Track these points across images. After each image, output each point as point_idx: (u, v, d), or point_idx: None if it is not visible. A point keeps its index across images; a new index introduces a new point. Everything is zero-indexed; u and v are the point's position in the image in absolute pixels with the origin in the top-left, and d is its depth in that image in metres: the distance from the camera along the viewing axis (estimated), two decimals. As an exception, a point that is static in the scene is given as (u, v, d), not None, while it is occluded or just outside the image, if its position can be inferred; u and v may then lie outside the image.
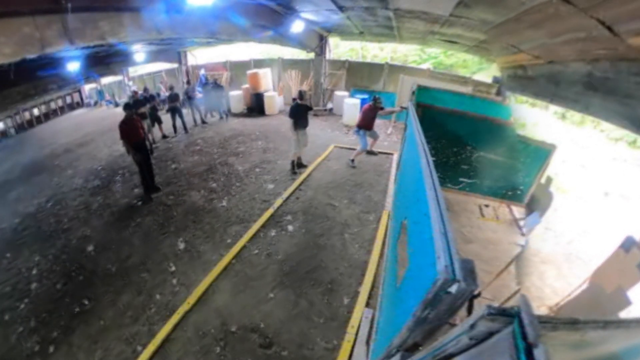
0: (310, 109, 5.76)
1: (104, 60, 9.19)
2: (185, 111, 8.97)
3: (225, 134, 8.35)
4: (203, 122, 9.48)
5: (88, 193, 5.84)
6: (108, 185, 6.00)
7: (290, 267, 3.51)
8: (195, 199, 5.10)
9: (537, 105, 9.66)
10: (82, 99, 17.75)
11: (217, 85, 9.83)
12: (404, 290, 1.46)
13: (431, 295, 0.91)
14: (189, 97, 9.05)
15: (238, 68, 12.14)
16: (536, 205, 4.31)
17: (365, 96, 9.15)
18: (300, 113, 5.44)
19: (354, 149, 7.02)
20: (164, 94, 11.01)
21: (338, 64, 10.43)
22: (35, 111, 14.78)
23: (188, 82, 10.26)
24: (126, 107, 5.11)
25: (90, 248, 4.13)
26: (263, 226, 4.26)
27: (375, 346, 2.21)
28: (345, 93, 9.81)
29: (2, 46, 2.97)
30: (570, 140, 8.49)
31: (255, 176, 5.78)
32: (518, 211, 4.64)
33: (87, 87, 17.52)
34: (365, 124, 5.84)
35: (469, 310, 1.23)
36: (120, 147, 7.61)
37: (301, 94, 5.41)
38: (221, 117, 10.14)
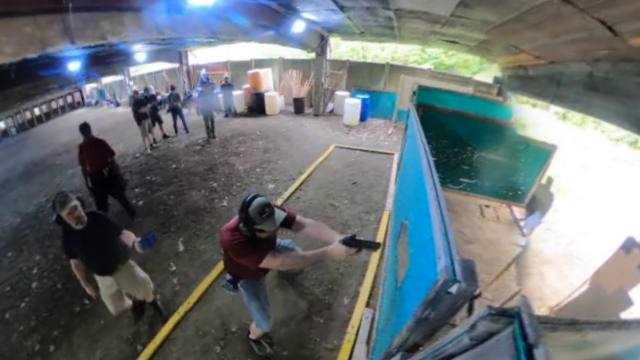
0: (112, 231, 2.38)
1: (105, 59, 9.20)
2: (185, 111, 9.00)
3: (226, 134, 8.36)
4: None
5: (88, 193, 5.84)
6: (109, 185, 5.99)
7: (290, 267, 3.51)
8: (196, 199, 5.11)
9: (538, 106, 9.65)
10: (83, 98, 17.84)
11: (227, 84, 10.24)
12: (404, 290, 1.47)
13: (431, 296, 0.91)
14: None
15: (239, 68, 12.15)
16: (537, 206, 4.31)
17: (366, 96, 9.15)
18: (88, 244, 2.28)
19: (354, 149, 7.03)
20: (162, 96, 11.17)
21: (339, 64, 10.43)
22: (36, 110, 14.87)
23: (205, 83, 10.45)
24: (82, 130, 4.15)
25: (90, 247, 4.13)
26: (263, 226, 4.25)
27: (375, 346, 2.21)
28: (346, 93, 9.82)
29: (3, 46, 2.97)
30: (571, 141, 8.48)
31: (256, 176, 5.78)
32: (519, 212, 4.64)
33: (88, 87, 17.63)
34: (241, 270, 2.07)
35: (470, 311, 1.23)
36: (119, 148, 7.64)
37: (60, 203, 2.07)
38: (227, 115, 10.31)
